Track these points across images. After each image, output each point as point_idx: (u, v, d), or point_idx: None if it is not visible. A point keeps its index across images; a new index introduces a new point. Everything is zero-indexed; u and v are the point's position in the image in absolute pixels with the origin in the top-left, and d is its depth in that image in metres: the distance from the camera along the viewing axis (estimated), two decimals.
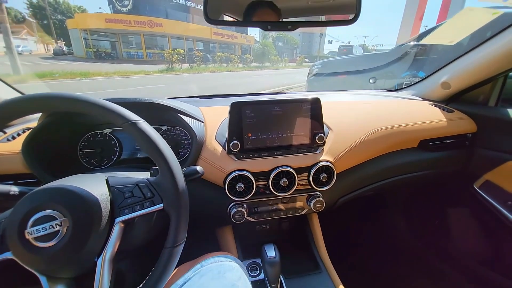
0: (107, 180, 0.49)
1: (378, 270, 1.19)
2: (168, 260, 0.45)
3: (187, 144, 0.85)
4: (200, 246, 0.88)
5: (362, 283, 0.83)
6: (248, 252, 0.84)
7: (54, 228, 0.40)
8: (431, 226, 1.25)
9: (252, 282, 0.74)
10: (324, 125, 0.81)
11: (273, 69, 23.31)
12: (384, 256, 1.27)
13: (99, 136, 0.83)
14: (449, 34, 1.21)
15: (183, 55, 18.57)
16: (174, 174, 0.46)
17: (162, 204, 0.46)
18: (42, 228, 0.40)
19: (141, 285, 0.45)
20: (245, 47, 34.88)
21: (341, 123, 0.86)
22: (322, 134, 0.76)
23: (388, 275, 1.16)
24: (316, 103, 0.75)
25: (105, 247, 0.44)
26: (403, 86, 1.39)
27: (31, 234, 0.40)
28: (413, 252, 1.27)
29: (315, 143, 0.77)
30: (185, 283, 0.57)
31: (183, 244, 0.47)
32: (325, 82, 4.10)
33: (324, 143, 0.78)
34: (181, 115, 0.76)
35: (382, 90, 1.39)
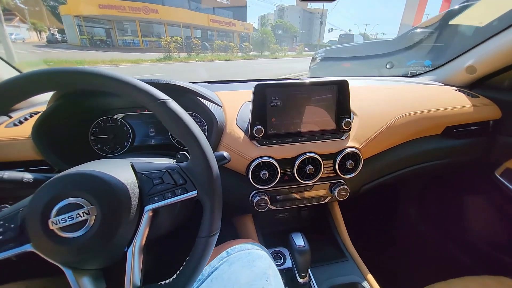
0: (132, 166, 0.45)
1: (400, 258, 1.18)
2: (204, 249, 0.42)
3: (203, 131, 0.80)
4: (231, 233, 0.86)
5: (386, 271, 0.81)
6: (268, 240, 0.81)
7: (81, 217, 0.36)
8: (451, 214, 1.24)
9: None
10: None
11: (272, 58, 22.91)
12: (404, 245, 1.26)
13: (110, 122, 0.78)
14: (479, 15, 1.15)
15: (180, 43, 18.14)
16: (208, 159, 0.42)
17: (195, 191, 0.43)
18: (68, 217, 0.36)
19: (175, 275, 0.42)
20: (244, 35, 34.11)
21: (366, 108, 0.82)
22: (349, 119, 0.72)
23: (410, 264, 1.16)
24: (344, 85, 0.71)
25: (135, 236, 0.41)
26: (409, 75, 1.34)
27: (56, 224, 0.36)
28: (433, 240, 1.26)
29: (340, 129, 0.73)
30: (212, 272, 0.55)
31: (218, 234, 0.44)
32: (330, 70, 3.99)
33: (350, 129, 0.74)
34: (200, 99, 0.71)
35: (398, 76, 1.34)
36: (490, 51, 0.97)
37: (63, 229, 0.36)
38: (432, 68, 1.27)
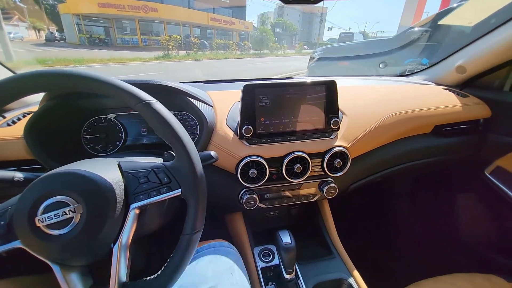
0: (119, 165, 0.47)
1: (390, 256, 1.20)
2: (186, 247, 0.43)
3: (194, 130, 0.82)
4: (208, 233, 0.87)
5: (375, 268, 0.82)
6: (258, 238, 0.83)
7: (67, 214, 0.38)
8: (441, 212, 1.26)
9: (266, 268, 0.74)
10: None
11: (271, 57, 22.88)
12: (394, 242, 1.27)
13: (103, 121, 0.79)
14: (469, 15, 1.16)
15: (179, 42, 18.09)
16: (192, 158, 0.44)
17: (180, 190, 0.44)
18: (54, 215, 0.37)
19: (159, 272, 0.44)
20: (243, 34, 34.02)
21: (355, 108, 0.83)
22: (337, 119, 0.73)
23: (399, 261, 1.17)
24: (332, 86, 0.72)
25: (120, 233, 0.42)
26: (406, 73, 1.36)
27: (42, 222, 0.37)
28: (422, 238, 1.27)
29: (329, 128, 0.74)
30: None
31: (202, 232, 0.45)
32: (328, 68, 4.00)
33: (338, 128, 0.75)
34: (190, 99, 0.72)
35: (392, 75, 1.35)
36: (479, 51, 0.98)
37: (49, 226, 0.38)
38: (424, 68, 1.28)
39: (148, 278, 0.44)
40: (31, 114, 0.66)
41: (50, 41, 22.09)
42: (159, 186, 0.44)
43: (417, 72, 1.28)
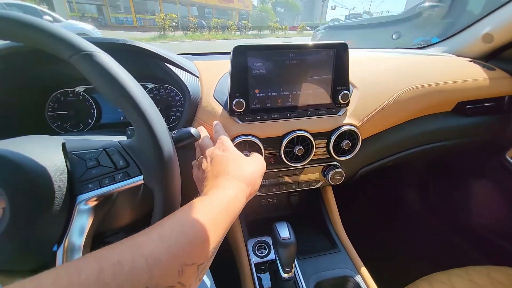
0: (63, 145, 0.35)
1: (400, 248, 1.11)
2: None
3: (180, 106, 0.70)
4: None
5: (384, 263, 0.74)
6: (253, 229, 0.74)
7: None
8: (455, 201, 1.16)
9: (260, 264, 0.65)
10: None
11: (272, 37, 22.05)
12: (404, 233, 1.18)
13: (70, 95, 0.67)
14: None
15: (176, 21, 17.32)
16: (155, 132, 0.32)
17: (141, 177, 0.33)
18: None
19: None
20: (243, 13, 32.59)
21: (368, 80, 0.71)
22: (347, 92, 0.61)
23: (410, 254, 1.09)
24: (342, 50, 0.59)
25: (66, 233, 0.32)
26: (423, 45, 1.21)
27: None
28: (435, 228, 1.18)
29: (337, 103, 0.62)
30: None
31: None
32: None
33: (348, 103, 0.63)
34: (169, 65, 0.59)
35: (406, 48, 1.20)
36: (510, 17, 0.83)
37: None
38: (443, 39, 1.13)
39: None
40: None
41: None
42: (113, 171, 0.33)
43: (435, 43, 1.13)
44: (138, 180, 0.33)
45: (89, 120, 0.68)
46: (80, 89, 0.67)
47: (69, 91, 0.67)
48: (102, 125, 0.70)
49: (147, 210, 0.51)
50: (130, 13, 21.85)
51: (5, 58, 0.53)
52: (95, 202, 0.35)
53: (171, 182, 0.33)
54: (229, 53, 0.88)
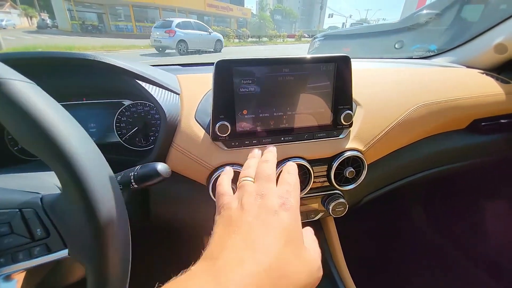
0: None
1: (409, 283, 0.99)
2: None
3: (159, 125, 0.61)
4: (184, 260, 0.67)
5: None
6: None
7: None
8: (469, 226, 1.06)
9: None
10: None
11: (270, 44, 22.23)
12: (413, 263, 1.06)
13: None
14: None
15: None
16: (86, 182, 0.23)
17: (65, 251, 0.24)
18: None
19: None
20: (242, 21, 32.97)
21: (372, 97, 0.62)
22: (350, 112, 0.52)
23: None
24: (344, 63, 0.51)
25: None
26: (428, 55, 1.13)
27: None
28: (448, 257, 1.07)
29: (338, 124, 0.54)
30: None
31: None
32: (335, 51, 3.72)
33: (351, 124, 0.55)
34: (140, 82, 0.51)
35: (411, 58, 1.13)
36: None
37: None
38: (449, 48, 1.06)
39: None
40: None
41: (42, 28, 21.44)
42: (29, 243, 0.23)
43: (441, 53, 1.06)
44: (62, 254, 0.24)
45: None
46: None
47: None
48: None
49: None
50: (130, 21, 22.01)
51: None
52: (23, 273, 0.26)
53: (108, 259, 0.24)
54: None
